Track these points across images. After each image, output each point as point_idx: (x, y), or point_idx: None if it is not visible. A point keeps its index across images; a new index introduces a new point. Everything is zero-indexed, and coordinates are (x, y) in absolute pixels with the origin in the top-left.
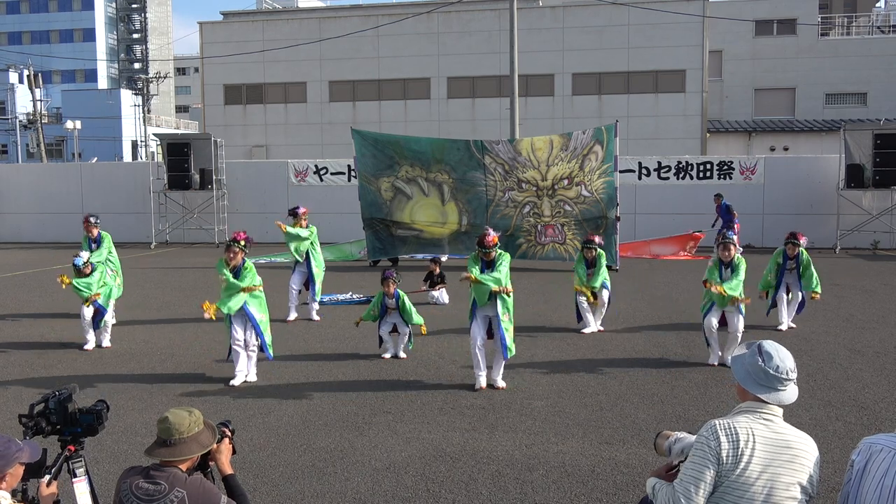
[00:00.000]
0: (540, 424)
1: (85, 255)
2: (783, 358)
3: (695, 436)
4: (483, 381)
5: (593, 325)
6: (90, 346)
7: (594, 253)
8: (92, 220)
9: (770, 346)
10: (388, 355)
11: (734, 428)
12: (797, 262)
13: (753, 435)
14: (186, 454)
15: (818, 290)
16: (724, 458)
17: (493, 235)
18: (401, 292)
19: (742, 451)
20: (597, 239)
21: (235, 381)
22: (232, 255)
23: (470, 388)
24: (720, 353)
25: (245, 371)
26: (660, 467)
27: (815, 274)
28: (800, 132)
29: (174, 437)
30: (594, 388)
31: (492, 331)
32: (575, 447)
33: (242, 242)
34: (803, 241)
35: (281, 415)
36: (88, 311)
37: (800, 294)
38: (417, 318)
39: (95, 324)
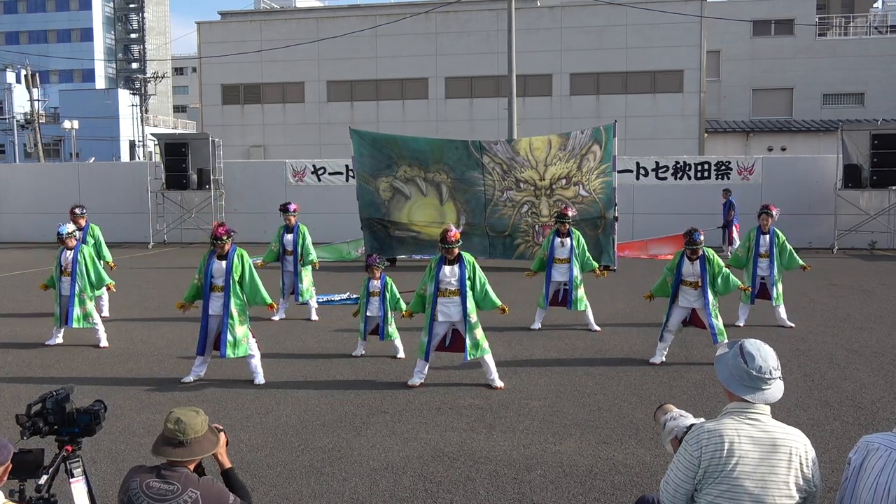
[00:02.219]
0: (538, 424)
1: (70, 226)
2: (765, 357)
3: (691, 419)
4: (422, 379)
5: (537, 322)
6: (53, 341)
7: (567, 226)
8: (77, 210)
9: (751, 345)
10: (358, 353)
11: (719, 433)
12: (771, 242)
13: (740, 438)
14: (200, 453)
15: (803, 262)
16: (707, 465)
17: (454, 231)
18: (387, 277)
19: (728, 455)
20: (570, 212)
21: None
22: (220, 245)
23: (468, 387)
24: (665, 353)
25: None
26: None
27: (793, 251)
28: (797, 132)
29: (190, 436)
30: (592, 388)
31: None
32: (573, 447)
33: (226, 237)
34: (776, 212)
35: (279, 415)
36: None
37: (771, 283)
38: (402, 305)
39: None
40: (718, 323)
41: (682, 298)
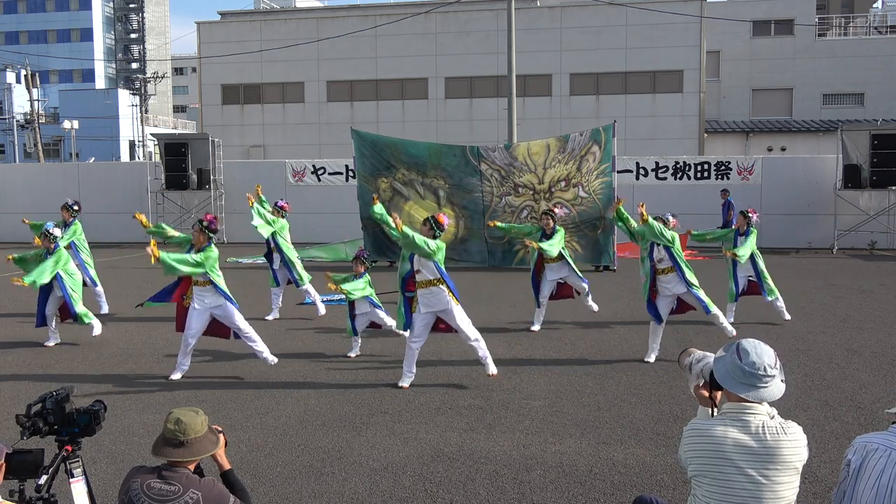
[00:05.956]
0: (538, 424)
1: (57, 231)
2: (760, 354)
3: (713, 356)
4: (411, 378)
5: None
6: (51, 342)
7: (552, 224)
8: (69, 202)
9: (748, 343)
10: (353, 354)
11: (708, 437)
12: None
13: (729, 442)
14: (201, 453)
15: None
16: (697, 467)
17: (440, 215)
18: (367, 275)
19: (716, 459)
20: (557, 211)
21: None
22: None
23: (468, 388)
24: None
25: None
26: (700, 395)
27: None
28: (797, 132)
29: (190, 437)
30: (592, 388)
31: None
32: (573, 447)
33: (205, 222)
34: (754, 217)
35: (278, 415)
36: (52, 305)
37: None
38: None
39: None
40: (704, 296)
41: (663, 288)
